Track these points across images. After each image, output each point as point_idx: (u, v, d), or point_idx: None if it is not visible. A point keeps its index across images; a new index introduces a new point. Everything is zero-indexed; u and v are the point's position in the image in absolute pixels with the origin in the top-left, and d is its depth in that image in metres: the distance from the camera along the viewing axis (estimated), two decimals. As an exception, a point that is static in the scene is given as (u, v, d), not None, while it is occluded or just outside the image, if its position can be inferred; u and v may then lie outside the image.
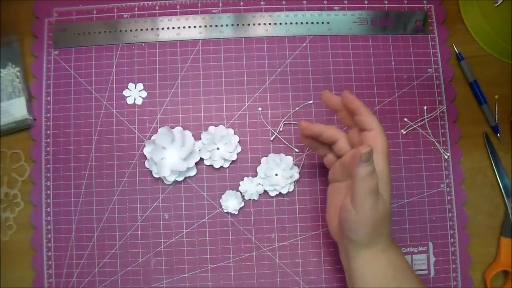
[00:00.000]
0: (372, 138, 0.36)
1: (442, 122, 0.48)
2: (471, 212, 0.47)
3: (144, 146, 0.45)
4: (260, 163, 0.45)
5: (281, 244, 0.45)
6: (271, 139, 0.46)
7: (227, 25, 0.48)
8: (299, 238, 0.45)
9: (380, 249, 0.36)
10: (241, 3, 0.49)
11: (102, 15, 0.48)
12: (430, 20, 0.49)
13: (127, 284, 0.44)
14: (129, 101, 0.47)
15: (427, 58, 0.49)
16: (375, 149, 0.35)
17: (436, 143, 0.47)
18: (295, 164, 0.46)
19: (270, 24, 0.48)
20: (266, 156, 0.46)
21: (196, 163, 0.45)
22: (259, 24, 0.48)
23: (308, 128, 0.39)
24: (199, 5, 0.49)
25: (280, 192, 0.45)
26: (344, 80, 0.48)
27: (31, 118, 0.46)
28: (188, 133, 0.46)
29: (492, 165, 0.47)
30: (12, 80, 0.46)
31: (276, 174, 0.45)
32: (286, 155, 0.46)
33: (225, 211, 0.45)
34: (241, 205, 0.45)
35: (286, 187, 0.45)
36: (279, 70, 0.48)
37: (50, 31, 0.48)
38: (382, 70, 0.48)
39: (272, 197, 0.45)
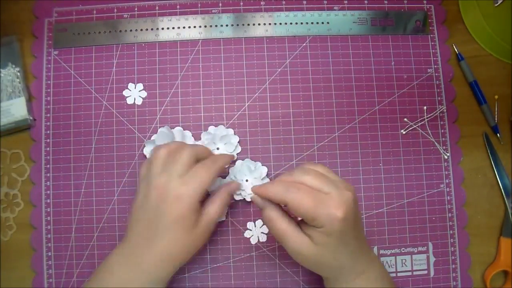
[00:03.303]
0: None
1: (442, 122, 0.48)
2: (471, 212, 0.47)
3: (144, 146, 0.45)
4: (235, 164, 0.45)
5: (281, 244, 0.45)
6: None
7: (227, 25, 0.48)
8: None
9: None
10: (241, 3, 0.49)
11: (102, 15, 0.48)
12: (430, 20, 0.49)
13: (127, 284, 0.44)
14: (129, 101, 0.47)
15: (427, 58, 0.49)
16: None
17: (436, 143, 0.47)
18: (267, 176, 0.45)
19: (270, 24, 0.48)
20: (242, 160, 0.45)
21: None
22: (259, 24, 0.48)
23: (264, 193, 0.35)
24: (199, 5, 0.49)
25: (244, 199, 0.44)
26: (344, 80, 0.48)
27: (31, 118, 0.46)
28: (188, 133, 0.46)
29: (492, 165, 0.47)
30: (12, 80, 0.46)
31: (247, 180, 0.44)
32: (262, 165, 0.45)
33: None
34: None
35: (251, 195, 0.44)
36: (279, 70, 0.48)
37: (50, 31, 0.48)
38: (382, 70, 0.48)
39: (237, 201, 0.45)
